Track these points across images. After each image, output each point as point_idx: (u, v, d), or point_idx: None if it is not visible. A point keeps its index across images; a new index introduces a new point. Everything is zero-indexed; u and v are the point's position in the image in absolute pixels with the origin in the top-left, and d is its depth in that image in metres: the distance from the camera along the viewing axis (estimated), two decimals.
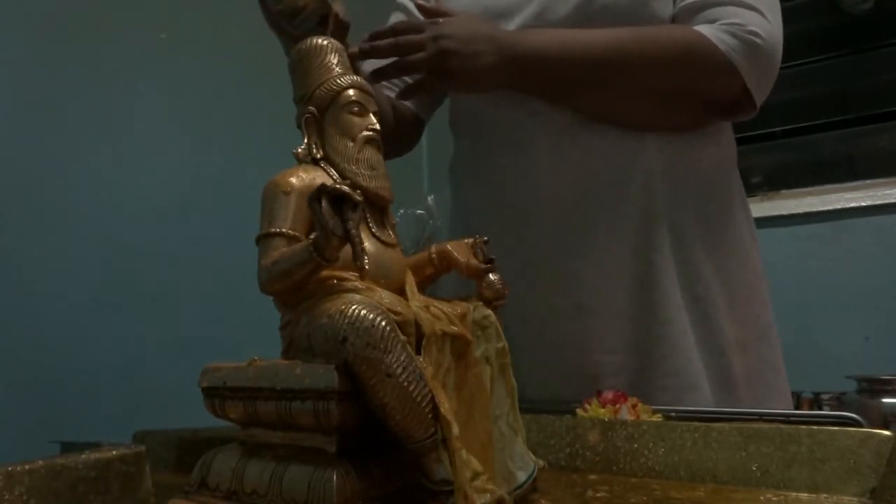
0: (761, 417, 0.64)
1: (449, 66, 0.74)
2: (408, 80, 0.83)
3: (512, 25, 0.82)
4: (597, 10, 0.79)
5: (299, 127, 0.44)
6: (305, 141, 0.43)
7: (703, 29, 0.76)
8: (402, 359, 0.33)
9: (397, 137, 0.90)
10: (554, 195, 0.81)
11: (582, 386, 0.73)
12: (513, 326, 0.81)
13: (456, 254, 0.45)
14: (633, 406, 0.64)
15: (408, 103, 0.92)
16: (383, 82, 0.88)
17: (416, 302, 0.39)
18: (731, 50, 0.74)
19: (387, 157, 0.45)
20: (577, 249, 0.80)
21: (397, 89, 0.89)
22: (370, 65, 0.78)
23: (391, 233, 0.44)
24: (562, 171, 0.81)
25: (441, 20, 0.76)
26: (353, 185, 0.39)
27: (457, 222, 0.94)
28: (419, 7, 0.82)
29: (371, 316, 0.33)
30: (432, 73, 0.76)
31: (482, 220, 0.86)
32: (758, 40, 0.75)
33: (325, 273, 0.37)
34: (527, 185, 0.82)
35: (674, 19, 0.81)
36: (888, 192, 1.78)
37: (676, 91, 0.79)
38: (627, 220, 0.80)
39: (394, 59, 0.76)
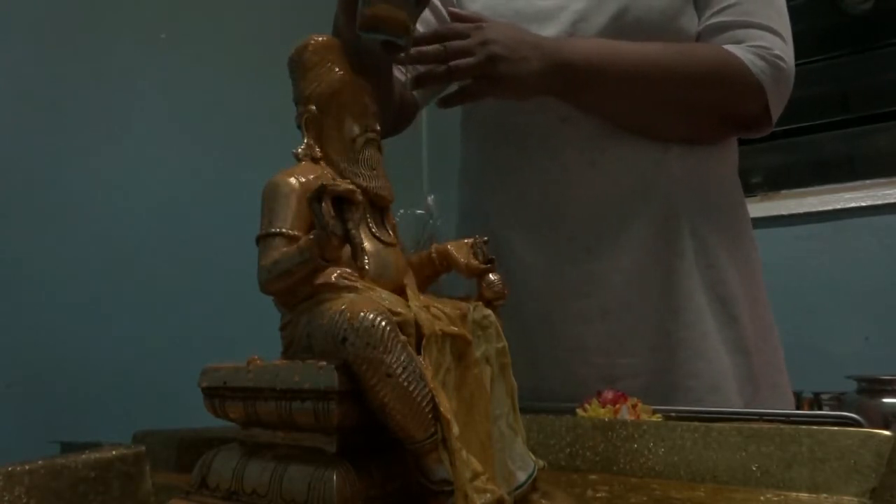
0: (761, 417, 0.64)
1: (497, 71, 0.74)
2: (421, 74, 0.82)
3: (546, 32, 0.83)
4: (630, 23, 0.81)
5: (299, 127, 0.44)
6: (305, 141, 0.43)
7: (735, 49, 0.79)
8: (402, 359, 0.33)
9: (397, 119, 0.89)
10: (581, 200, 0.82)
11: (601, 387, 0.74)
12: (535, 328, 0.84)
13: (456, 254, 0.45)
14: (633, 406, 0.64)
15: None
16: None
17: (416, 302, 0.39)
18: (760, 72, 0.77)
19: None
20: (602, 253, 0.81)
21: (400, 67, 0.89)
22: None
23: (391, 233, 0.44)
24: (590, 178, 0.82)
25: (484, 25, 0.76)
26: (353, 185, 0.38)
27: (469, 224, 0.94)
28: (452, 14, 0.83)
29: (371, 316, 0.33)
30: (481, 78, 0.76)
31: (504, 223, 0.87)
32: (782, 64, 0.79)
33: (325, 273, 0.37)
34: (555, 190, 0.83)
35: (699, 36, 0.83)
36: (888, 192, 1.78)
37: (705, 106, 0.82)
38: (651, 226, 0.81)
39: (432, 64, 0.75)
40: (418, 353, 0.35)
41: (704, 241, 0.82)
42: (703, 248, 0.82)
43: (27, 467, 0.41)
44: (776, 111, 0.81)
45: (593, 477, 0.52)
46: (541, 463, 0.44)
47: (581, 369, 0.82)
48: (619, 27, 0.81)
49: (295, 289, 0.38)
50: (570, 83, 0.78)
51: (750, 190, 1.91)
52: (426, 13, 0.95)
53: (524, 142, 0.86)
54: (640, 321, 0.81)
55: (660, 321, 0.80)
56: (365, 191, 0.41)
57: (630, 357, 0.80)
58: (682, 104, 0.81)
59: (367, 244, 0.40)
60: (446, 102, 0.82)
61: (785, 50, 0.80)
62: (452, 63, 0.74)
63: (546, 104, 0.82)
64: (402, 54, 0.56)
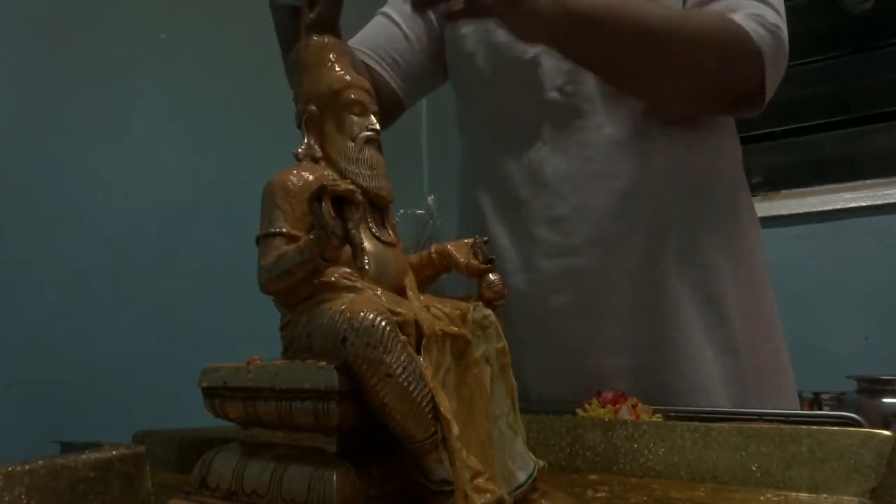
0: (761, 417, 0.64)
1: None
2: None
3: None
4: None
5: (299, 127, 0.44)
6: (305, 141, 0.43)
7: (734, 16, 0.76)
8: (402, 359, 0.33)
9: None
10: (567, 198, 0.81)
11: (588, 387, 0.73)
12: (521, 326, 0.83)
13: (456, 254, 0.45)
14: (633, 406, 0.64)
15: (394, 86, 0.90)
16: (373, 64, 0.88)
17: (417, 302, 0.39)
18: (760, 39, 0.75)
19: None
20: (587, 251, 0.80)
21: (385, 65, 0.88)
22: None
23: (391, 233, 0.44)
24: (576, 174, 0.81)
25: None
26: (353, 185, 0.38)
27: (467, 223, 0.94)
28: None
29: (371, 316, 0.33)
30: None
31: (494, 221, 0.87)
32: (780, 34, 0.76)
33: (325, 273, 0.37)
34: (540, 187, 0.83)
35: (692, 6, 0.81)
36: (888, 192, 1.78)
37: (703, 71, 0.78)
38: (638, 223, 0.80)
39: None
40: (418, 353, 0.35)
41: (695, 238, 0.80)
42: (692, 244, 0.80)
43: (27, 467, 0.41)
44: (771, 85, 0.78)
45: (593, 477, 0.52)
46: (541, 463, 0.44)
47: (568, 368, 0.81)
48: None
49: (295, 289, 0.38)
50: (572, 32, 0.74)
51: (750, 190, 1.91)
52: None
53: (512, 140, 0.86)
54: (625, 321, 0.79)
55: (646, 321, 0.79)
56: (365, 191, 0.41)
57: (616, 357, 0.79)
58: (681, 67, 0.77)
59: (367, 244, 0.40)
60: (452, 16, 0.79)
61: (779, 21, 0.77)
62: None
63: (533, 97, 0.81)
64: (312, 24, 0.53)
